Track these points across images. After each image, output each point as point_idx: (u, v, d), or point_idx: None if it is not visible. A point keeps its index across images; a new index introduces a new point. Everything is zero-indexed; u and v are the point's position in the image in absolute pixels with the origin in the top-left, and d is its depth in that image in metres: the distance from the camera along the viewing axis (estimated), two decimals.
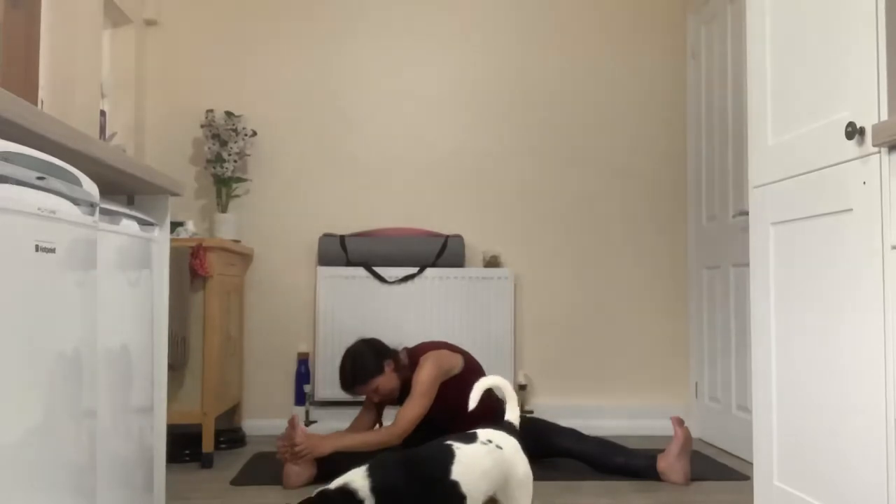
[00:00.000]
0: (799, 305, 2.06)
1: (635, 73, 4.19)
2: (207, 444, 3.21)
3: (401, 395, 3.10)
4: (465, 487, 1.87)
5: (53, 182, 1.37)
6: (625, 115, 4.18)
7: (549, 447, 3.17)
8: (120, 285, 1.85)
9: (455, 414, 2.80)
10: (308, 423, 3.78)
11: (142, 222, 2.07)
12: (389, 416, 3.14)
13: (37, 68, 2.92)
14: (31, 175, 1.29)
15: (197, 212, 4.03)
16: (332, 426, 3.65)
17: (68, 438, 1.42)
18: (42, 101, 2.96)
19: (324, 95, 4.11)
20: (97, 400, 1.62)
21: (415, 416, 2.93)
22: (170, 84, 4.07)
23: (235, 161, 3.87)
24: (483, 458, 1.93)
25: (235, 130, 3.87)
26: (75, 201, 1.47)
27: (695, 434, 3.89)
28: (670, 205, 4.17)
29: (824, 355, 1.94)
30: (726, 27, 3.68)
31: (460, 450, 1.93)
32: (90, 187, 1.52)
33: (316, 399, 3.87)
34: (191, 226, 3.51)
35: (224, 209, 3.90)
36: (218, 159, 3.84)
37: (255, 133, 3.98)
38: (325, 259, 3.91)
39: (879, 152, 1.70)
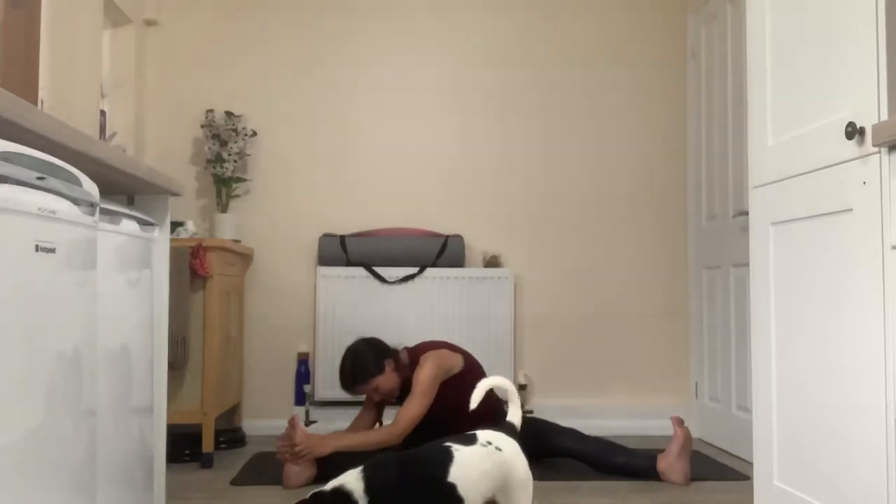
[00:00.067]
0: (799, 305, 2.06)
1: (635, 73, 4.19)
2: (207, 444, 3.21)
3: (401, 395, 3.10)
4: (463, 489, 1.87)
5: (53, 182, 1.37)
6: (625, 115, 4.18)
7: (549, 447, 3.17)
8: (120, 285, 1.85)
9: (455, 414, 2.80)
10: (308, 423, 3.77)
11: (142, 222, 2.07)
12: (389, 415, 3.14)
13: (37, 68, 2.92)
14: (31, 175, 1.29)
15: (197, 212, 4.03)
16: (332, 426, 3.65)
17: (68, 438, 1.42)
18: (42, 101, 2.96)
19: (324, 95, 4.11)
20: (97, 400, 1.62)
21: (415, 416, 2.93)
22: (170, 84, 4.07)
23: (235, 161, 3.87)
24: (482, 460, 1.92)
25: (235, 130, 3.87)
26: (75, 201, 1.47)
27: (695, 434, 3.89)
28: (670, 205, 4.17)
29: (824, 355, 1.94)
30: (726, 27, 3.68)
31: (459, 451, 1.92)
32: (90, 187, 1.52)
33: (316, 399, 3.87)
34: (191, 226, 3.51)
35: (224, 209, 3.90)
36: (218, 159, 3.84)
37: (255, 133, 3.98)
38: (325, 259, 3.91)
39: (879, 152, 1.70)
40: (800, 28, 2.08)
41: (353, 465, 1.86)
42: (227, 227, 3.86)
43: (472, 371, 3.11)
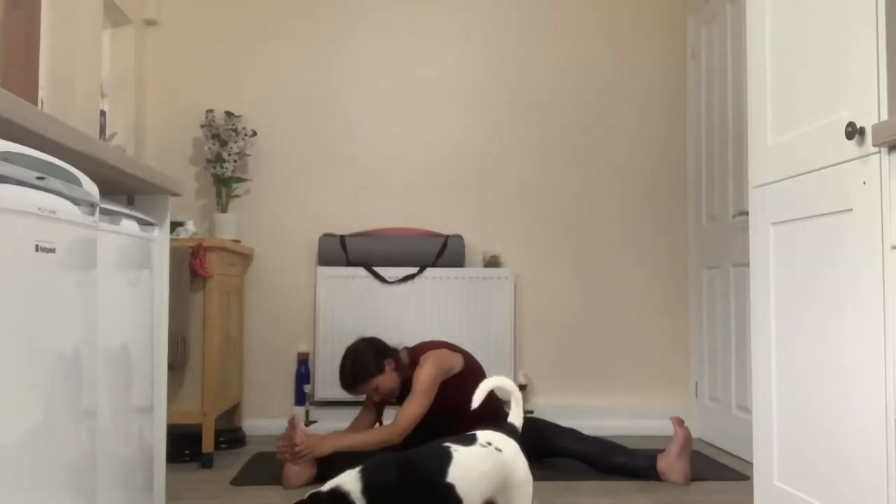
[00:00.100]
0: (799, 305, 2.06)
1: (635, 73, 4.19)
2: (207, 444, 3.21)
3: (401, 395, 3.10)
4: (462, 490, 1.86)
5: (53, 182, 1.37)
6: (625, 115, 4.18)
7: (548, 447, 3.16)
8: (120, 285, 1.85)
9: (455, 413, 2.80)
10: (308, 423, 3.77)
11: (142, 222, 2.07)
12: (389, 415, 3.14)
13: (37, 68, 2.92)
14: (31, 175, 1.29)
15: (197, 212, 4.03)
16: (332, 426, 3.65)
17: (68, 438, 1.42)
18: (42, 101, 2.96)
19: (324, 95, 4.11)
20: (97, 400, 1.62)
21: (415, 415, 2.93)
22: (170, 84, 4.07)
23: (235, 161, 3.87)
24: (482, 461, 1.92)
25: (235, 130, 3.87)
26: (75, 201, 1.47)
27: (695, 434, 3.89)
28: (670, 205, 4.17)
29: (824, 355, 1.94)
30: (726, 27, 3.68)
31: (458, 452, 1.92)
32: (90, 187, 1.52)
33: (316, 399, 3.87)
34: (191, 226, 3.51)
35: (224, 209, 3.90)
36: (218, 159, 3.84)
37: (255, 133, 3.98)
38: (325, 259, 3.91)
39: (879, 152, 1.70)
40: (800, 28, 2.08)
41: (353, 466, 1.85)
42: (227, 227, 3.86)
43: (473, 371, 3.11)
